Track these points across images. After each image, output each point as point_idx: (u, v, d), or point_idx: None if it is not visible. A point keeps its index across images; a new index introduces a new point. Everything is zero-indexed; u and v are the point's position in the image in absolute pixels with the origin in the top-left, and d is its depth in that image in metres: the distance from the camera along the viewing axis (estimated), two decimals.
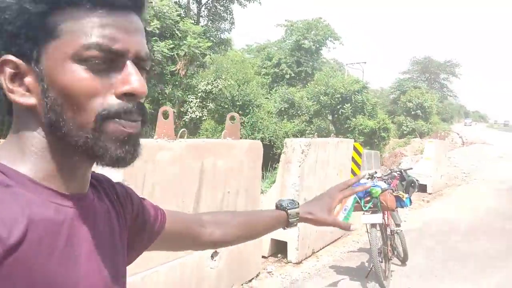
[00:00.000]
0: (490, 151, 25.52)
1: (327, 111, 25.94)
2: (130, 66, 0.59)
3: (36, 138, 0.60)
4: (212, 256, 3.73)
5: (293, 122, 26.57)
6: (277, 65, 33.43)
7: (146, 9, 0.66)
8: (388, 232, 4.63)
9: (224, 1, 20.49)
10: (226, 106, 23.26)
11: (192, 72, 19.43)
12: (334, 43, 34.68)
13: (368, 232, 4.32)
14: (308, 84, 28.65)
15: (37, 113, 0.59)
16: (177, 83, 18.06)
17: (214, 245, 1.06)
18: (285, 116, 26.95)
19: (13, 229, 0.51)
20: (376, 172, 5.10)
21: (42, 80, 0.58)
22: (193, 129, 20.89)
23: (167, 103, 19.38)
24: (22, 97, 0.59)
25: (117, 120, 0.58)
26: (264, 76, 33.40)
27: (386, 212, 4.39)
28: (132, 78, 0.59)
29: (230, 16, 21.16)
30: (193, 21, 19.24)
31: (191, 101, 18.73)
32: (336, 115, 25.59)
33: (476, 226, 7.23)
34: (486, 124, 78.41)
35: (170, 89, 17.92)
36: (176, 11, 14.46)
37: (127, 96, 0.59)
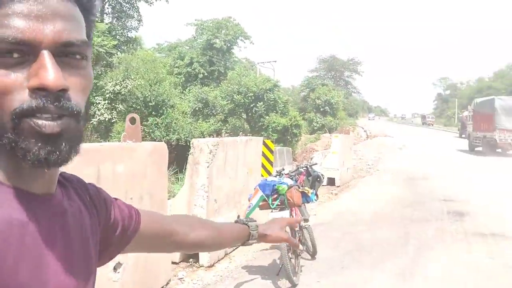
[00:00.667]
0: (391, 143, 27.52)
1: (241, 110, 26.17)
2: (43, 57, 0.54)
3: None
4: (115, 268, 3.50)
5: (209, 121, 26.47)
6: (190, 65, 33.04)
7: None
8: (297, 228, 4.72)
9: None
10: (138, 107, 22.45)
11: (99, 73, 18.45)
12: (244, 42, 35.08)
13: None
14: (222, 83, 28.69)
15: None
16: None
17: (188, 247, 1.04)
18: (200, 116, 26.73)
19: None
20: (283, 169, 5.18)
21: None
22: (104, 132, 19.87)
23: None
24: None
25: (33, 118, 0.54)
26: (177, 76, 32.82)
27: (293, 208, 4.46)
28: (41, 71, 0.53)
29: (137, 14, 20.40)
30: (96, 19, 18.20)
31: (99, 103, 17.77)
32: (250, 114, 25.93)
33: (378, 216, 7.69)
34: (387, 118, 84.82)
35: None
36: None
37: (40, 90, 0.54)
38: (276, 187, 4.20)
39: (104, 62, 16.68)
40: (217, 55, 33.94)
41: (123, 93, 17.51)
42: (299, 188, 4.38)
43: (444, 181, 11.65)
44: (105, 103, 17.44)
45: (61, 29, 0.56)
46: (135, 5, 19.94)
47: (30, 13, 0.54)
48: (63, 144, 0.57)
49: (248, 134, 24.68)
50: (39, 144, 0.55)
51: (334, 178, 11.01)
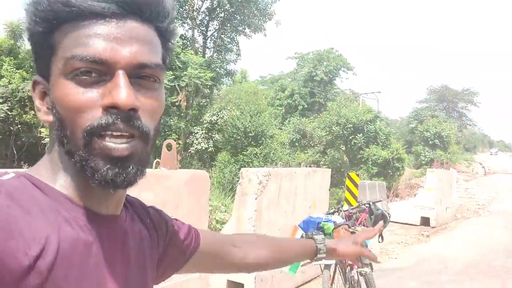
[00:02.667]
0: (511, 181, 24.37)
1: (340, 142, 25.50)
2: (118, 77, 0.57)
3: (61, 156, 0.60)
4: None
5: (307, 153, 26.21)
6: (290, 96, 33.40)
7: (156, 12, 0.62)
8: (353, 273, 4.15)
9: (230, 33, 20.64)
10: (239, 137, 23.15)
11: (199, 103, 19.45)
12: (347, 73, 34.49)
13: (322, 274, 3.85)
14: (320, 114, 28.38)
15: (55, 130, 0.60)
16: (182, 114, 18.04)
17: (247, 267, 1.02)
18: (298, 147, 26.64)
19: (44, 248, 0.51)
20: (342, 205, 4.66)
21: (51, 97, 0.59)
22: (208, 160, 20.72)
23: (173, 134, 19.36)
24: (44, 114, 0.61)
25: (103, 137, 0.56)
26: (278, 107, 33.36)
27: None
28: (115, 90, 0.56)
29: (237, 48, 21.25)
30: (199, 53, 19.40)
31: (197, 132, 18.62)
32: (349, 145, 25.10)
33: (473, 264, 6.58)
34: (511, 154, 76.00)
35: (176, 121, 17.89)
36: (176, 42, 14.54)
37: (112, 109, 0.56)
38: (321, 225, 3.74)
39: (202, 93, 17.50)
40: (318, 87, 33.84)
41: (219, 123, 18.12)
42: (349, 227, 3.85)
43: None
44: (202, 133, 18.20)
45: (137, 52, 0.58)
46: (235, 39, 20.84)
47: (109, 35, 0.57)
48: (131, 166, 0.58)
49: (353, 167, 23.84)
50: (108, 165, 0.56)
51: (428, 218, 9.88)
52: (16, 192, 0.54)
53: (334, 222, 3.79)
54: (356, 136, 24.27)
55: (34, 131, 14.29)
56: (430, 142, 32.07)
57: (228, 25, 20.10)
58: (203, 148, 18.62)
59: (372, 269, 4.59)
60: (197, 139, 18.49)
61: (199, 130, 18.42)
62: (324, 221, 3.73)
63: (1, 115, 13.38)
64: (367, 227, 4.57)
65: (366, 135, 24.43)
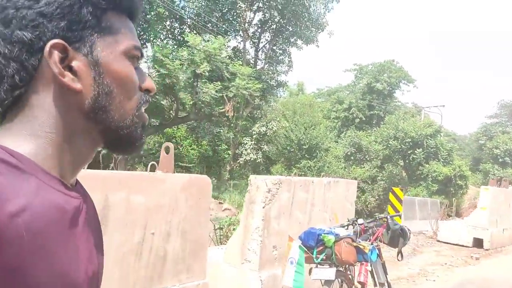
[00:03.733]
0: None
1: (398, 156, 24.37)
2: (142, 68, 0.70)
3: (63, 124, 0.61)
4: None
5: (363, 167, 25.33)
6: (348, 109, 32.57)
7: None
8: None
9: (281, 44, 20.55)
10: (292, 149, 22.93)
11: (250, 115, 19.51)
12: (408, 86, 33.13)
13: None
14: (378, 128, 27.40)
15: (78, 99, 0.62)
16: (232, 125, 18.17)
17: None
18: (352, 161, 25.85)
19: (25, 215, 0.51)
20: (357, 218, 4.33)
21: (96, 67, 0.62)
22: (264, 171, 20.68)
23: (222, 144, 19.54)
24: (72, 81, 0.61)
25: (140, 111, 0.68)
26: (334, 120, 32.67)
27: (348, 265, 3.60)
28: (148, 79, 0.69)
29: (288, 59, 21.11)
30: (251, 64, 19.50)
31: (246, 143, 18.66)
32: (407, 161, 23.91)
33: None
34: None
35: (226, 131, 18.05)
36: (226, 53, 14.70)
37: (146, 91, 0.69)
38: (321, 237, 3.46)
39: (252, 105, 17.52)
40: (377, 99, 32.77)
41: (268, 134, 18.03)
42: (353, 241, 3.52)
43: None
44: (251, 144, 18.20)
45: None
46: (286, 51, 20.71)
47: (135, 33, 0.70)
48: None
49: (411, 184, 22.75)
50: (143, 131, 0.69)
51: (481, 239, 9.06)
52: None
53: (337, 234, 3.50)
54: (415, 151, 23.08)
55: None
56: (500, 160, 29.81)
57: (280, 36, 20.05)
58: (252, 159, 18.59)
59: None
60: (246, 149, 18.51)
61: (248, 141, 18.43)
62: (325, 233, 3.45)
63: None
64: (383, 242, 4.22)
65: (426, 150, 23.15)
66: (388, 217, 4.23)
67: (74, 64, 0.61)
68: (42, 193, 0.56)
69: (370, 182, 24.54)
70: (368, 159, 25.60)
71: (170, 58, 14.07)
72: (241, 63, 16.22)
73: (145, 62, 14.96)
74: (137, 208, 3.31)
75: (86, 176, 3.01)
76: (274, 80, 20.72)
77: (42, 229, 0.53)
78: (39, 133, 0.60)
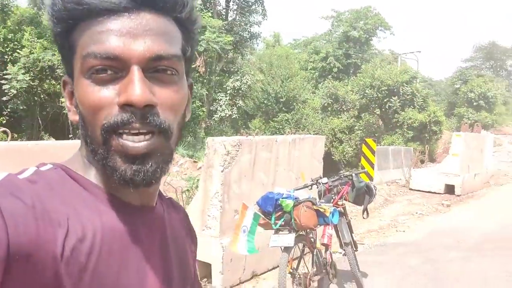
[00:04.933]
0: None
1: (374, 105, 24.35)
2: (132, 73, 0.55)
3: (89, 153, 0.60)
4: None
5: (341, 117, 25.30)
6: (325, 59, 32.10)
7: (172, 2, 0.59)
8: (327, 255, 3.70)
9: None
10: (270, 103, 22.62)
11: (223, 69, 18.97)
12: (385, 33, 32.70)
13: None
14: (354, 77, 27.19)
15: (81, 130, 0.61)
16: (205, 81, 17.67)
17: None
18: (329, 112, 25.77)
19: (83, 237, 0.52)
20: (321, 177, 4.16)
21: (75, 97, 0.60)
22: (242, 126, 20.39)
23: (197, 102, 19.11)
24: (72, 115, 0.61)
25: (121, 135, 0.55)
26: (311, 71, 32.21)
27: (308, 230, 3.44)
28: (129, 87, 0.54)
29: (262, 8, 20.28)
30: (222, 16, 18.66)
31: (221, 99, 18.25)
32: (383, 109, 23.93)
33: (491, 238, 5.94)
34: None
35: (199, 88, 17.56)
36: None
37: (128, 106, 0.54)
38: (279, 202, 3.28)
39: (226, 59, 16.96)
40: (354, 47, 32.32)
41: (243, 89, 17.62)
42: (313, 204, 3.36)
43: None
44: (226, 100, 17.80)
45: (151, 44, 0.56)
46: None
47: (121, 30, 0.55)
48: (150, 164, 0.56)
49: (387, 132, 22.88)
50: (126, 164, 0.55)
51: (453, 186, 9.15)
52: (55, 183, 0.55)
53: (296, 198, 3.32)
54: (391, 99, 23.05)
55: (56, 101, 14.40)
56: (475, 104, 30.20)
57: None
58: (227, 115, 18.26)
59: (355, 248, 4.12)
60: (220, 106, 18.12)
61: (222, 96, 18.01)
62: (283, 198, 3.26)
63: (24, 86, 13.48)
64: (349, 201, 4.09)
65: (402, 97, 23.13)
66: (353, 174, 4.08)
67: (74, 98, 0.60)
68: (99, 215, 0.55)
69: (347, 132, 24.65)
70: (345, 109, 25.55)
71: None
72: (211, 14, 15.50)
73: None
74: None
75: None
76: (247, 32, 19.98)
77: (94, 251, 0.52)
78: (88, 158, 0.60)
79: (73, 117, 0.61)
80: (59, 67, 13.55)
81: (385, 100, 23.08)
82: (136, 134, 0.55)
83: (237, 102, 17.98)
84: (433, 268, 4.79)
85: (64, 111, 13.72)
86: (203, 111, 18.03)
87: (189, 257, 0.73)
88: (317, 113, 24.87)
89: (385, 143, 20.86)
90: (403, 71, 24.20)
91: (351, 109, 25.10)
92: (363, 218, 4.21)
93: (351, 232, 4.10)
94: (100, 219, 0.55)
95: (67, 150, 3.07)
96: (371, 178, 8.90)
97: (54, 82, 13.97)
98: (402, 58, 35.01)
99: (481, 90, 30.39)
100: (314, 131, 22.47)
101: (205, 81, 17.79)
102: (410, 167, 11.08)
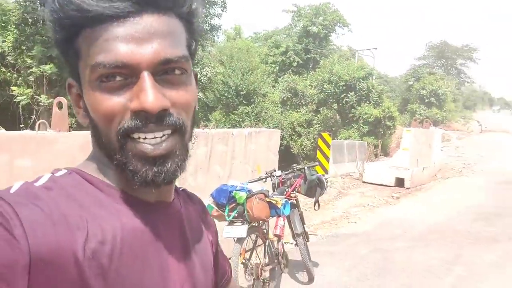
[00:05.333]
0: (506, 140, 23.97)
1: (332, 100, 24.86)
2: (143, 79, 0.55)
3: (99, 154, 0.62)
4: None
5: (300, 111, 25.66)
6: (285, 53, 32.34)
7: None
8: (279, 245, 3.80)
9: None
10: (230, 95, 22.56)
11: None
12: (343, 29, 33.32)
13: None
14: (313, 72, 27.62)
15: (92, 133, 0.62)
16: None
17: None
18: (289, 105, 26.08)
19: (102, 239, 0.53)
20: (275, 170, 4.26)
21: (84, 101, 0.59)
22: (203, 118, 20.17)
23: None
24: (82, 117, 0.62)
25: (137, 139, 0.56)
26: (271, 65, 32.39)
27: (260, 221, 3.53)
28: (141, 94, 0.55)
29: (222, 0, 20.15)
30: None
31: None
32: (341, 104, 24.48)
33: (435, 229, 6.28)
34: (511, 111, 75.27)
35: None
36: None
37: (141, 112, 0.55)
38: (233, 194, 3.34)
39: None
40: (313, 43, 32.75)
41: (203, 81, 17.50)
42: (266, 196, 3.45)
43: None
44: None
45: (158, 48, 0.56)
46: None
47: (127, 36, 0.55)
48: (169, 164, 0.57)
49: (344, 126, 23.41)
50: (146, 166, 0.56)
51: (403, 179, 9.55)
52: (70, 188, 0.56)
53: (249, 190, 3.39)
54: (348, 94, 23.60)
55: (7, 89, 13.74)
56: (426, 100, 31.38)
57: None
58: None
59: (307, 238, 4.26)
60: None
61: None
62: (237, 190, 3.32)
63: None
64: (301, 193, 4.21)
65: (358, 93, 23.74)
66: (306, 167, 4.20)
67: (81, 101, 0.61)
68: (117, 216, 0.56)
69: (306, 126, 25.03)
70: (304, 103, 25.93)
71: None
72: None
73: None
74: (22, 174, 2.96)
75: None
76: (207, 24, 19.80)
77: (114, 252, 0.53)
78: (102, 160, 0.61)
79: (83, 119, 0.61)
80: (9, 54, 12.96)
81: (342, 95, 23.61)
82: (153, 137, 0.56)
83: (197, 94, 17.83)
84: (381, 257, 5.02)
85: (15, 100, 13.16)
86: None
87: (208, 247, 0.74)
88: (277, 106, 25.08)
89: (342, 137, 21.36)
90: (360, 67, 24.83)
91: (310, 104, 25.54)
92: (315, 209, 4.35)
93: (303, 223, 4.23)
94: (119, 220, 0.56)
95: (18, 142, 2.99)
96: (326, 171, 9.14)
97: (4, 70, 13.34)
98: (360, 55, 35.88)
99: (432, 87, 31.60)
100: (273, 124, 22.66)
101: None
102: (363, 160, 11.45)
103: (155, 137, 0.56)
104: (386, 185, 9.61)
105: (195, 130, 3.07)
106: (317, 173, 4.32)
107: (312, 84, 25.44)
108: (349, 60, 29.46)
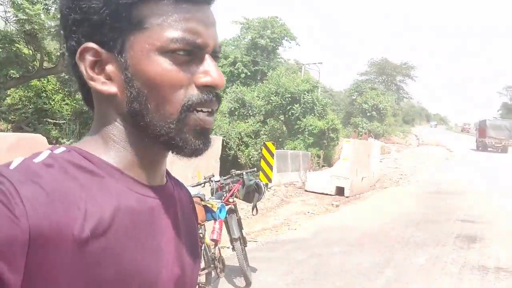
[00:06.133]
0: (439, 152, 25.45)
1: (279, 111, 25.30)
2: (209, 59, 0.61)
3: (116, 127, 0.61)
4: None
5: (247, 122, 25.85)
6: (233, 64, 32.57)
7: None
8: (216, 250, 3.82)
9: None
10: None
11: None
12: (290, 43, 34.13)
13: None
14: (261, 83, 28.03)
15: (117, 102, 0.60)
16: None
17: None
18: (237, 116, 26.20)
19: (100, 219, 0.53)
20: (213, 175, 4.29)
21: (126, 70, 0.59)
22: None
23: None
24: (103, 85, 0.60)
25: (197, 112, 0.60)
26: None
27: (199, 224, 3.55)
28: (212, 71, 0.60)
29: None
30: None
31: None
32: (287, 116, 24.97)
33: (370, 234, 6.55)
34: (446, 127, 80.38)
35: None
36: None
37: (207, 87, 0.60)
38: None
39: None
40: (261, 55, 33.25)
41: None
42: (202, 200, 3.47)
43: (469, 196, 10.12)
44: None
45: (216, 36, 0.62)
46: None
47: (202, 20, 0.60)
48: (210, 136, 0.63)
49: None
50: (197, 135, 0.60)
51: (343, 188, 9.87)
52: (69, 165, 0.56)
53: None
54: (294, 106, 24.12)
55: None
56: (368, 114, 32.70)
57: None
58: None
59: (244, 243, 4.30)
60: None
61: None
62: None
63: None
64: (239, 198, 4.26)
65: (304, 105, 24.34)
66: (244, 173, 4.27)
67: (107, 67, 0.60)
68: (115, 196, 0.57)
69: (253, 136, 25.23)
70: (251, 114, 26.17)
71: (30, 1, 12.34)
72: None
73: (1, 4, 12.96)
74: None
75: None
76: None
77: (111, 232, 0.54)
78: (104, 137, 0.61)
79: (105, 87, 0.59)
80: None
81: (289, 107, 24.16)
82: (210, 111, 0.61)
83: None
84: (317, 262, 5.17)
85: None
86: None
87: (197, 233, 0.76)
88: (225, 116, 25.18)
89: (288, 148, 21.74)
90: (306, 80, 25.54)
91: (257, 114, 25.84)
92: (253, 214, 4.42)
93: (241, 228, 4.28)
94: (116, 199, 0.56)
95: None
96: (269, 180, 9.27)
97: None
98: (306, 68, 36.82)
99: (374, 102, 32.98)
100: (221, 134, 22.64)
101: None
102: (306, 170, 11.73)
103: (211, 111, 0.61)
104: (327, 194, 9.91)
105: None
106: (255, 178, 4.40)
107: (260, 95, 25.77)
108: (295, 73, 30.21)
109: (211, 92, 0.60)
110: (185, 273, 0.66)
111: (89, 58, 0.59)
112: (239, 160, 22.97)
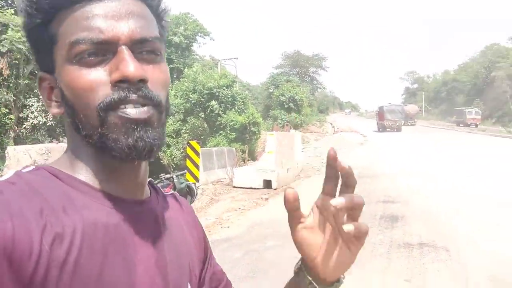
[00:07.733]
0: (354, 138, 26.84)
1: (198, 109, 25.07)
2: (122, 52, 0.57)
3: (76, 144, 0.61)
4: None
5: (167, 122, 25.19)
6: None
7: None
8: None
9: None
10: None
11: (33, 72, 17.03)
12: (204, 38, 33.96)
13: None
14: (177, 82, 27.57)
15: (69, 121, 0.61)
16: (11, 85, 15.58)
17: None
18: None
19: (61, 232, 0.52)
20: (152, 180, 4.10)
21: (60, 87, 0.59)
22: (62, 134, 18.40)
23: (2, 108, 16.77)
24: (53, 108, 0.61)
25: (119, 109, 0.56)
26: None
27: None
28: (121, 64, 0.56)
29: None
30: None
31: (32, 105, 16.33)
32: (207, 112, 24.82)
33: None
34: (357, 113, 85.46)
35: (5, 93, 15.41)
36: None
37: (121, 83, 0.56)
38: None
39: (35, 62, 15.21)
40: (176, 52, 32.68)
41: None
42: None
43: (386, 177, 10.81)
44: (39, 105, 16.06)
45: (135, 27, 0.58)
46: None
47: (107, 14, 0.57)
48: (150, 131, 0.57)
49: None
50: (127, 133, 0.56)
51: (270, 181, 10.02)
52: (35, 183, 0.56)
53: None
54: (211, 103, 24.07)
55: None
56: (286, 106, 33.62)
57: None
58: (41, 122, 16.44)
59: None
60: (32, 112, 16.22)
61: (34, 102, 16.17)
62: None
63: None
64: None
65: (223, 101, 24.37)
66: (174, 176, 4.14)
67: (55, 91, 0.60)
68: (81, 210, 0.55)
69: (174, 136, 24.81)
70: (171, 113, 25.69)
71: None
72: (14, 12, 13.74)
73: None
74: None
75: None
76: None
77: (74, 245, 0.53)
78: (71, 155, 0.62)
79: (56, 110, 0.61)
80: None
81: (208, 104, 24.04)
82: (134, 107, 0.56)
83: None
84: (254, 258, 5.17)
85: None
86: (11, 119, 15.94)
87: (192, 251, 0.72)
88: None
89: (211, 145, 21.64)
90: (223, 76, 25.58)
91: (177, 113, 25.39)
92: None
93: None
94: (82, 214, 0.55)
95: None
96: (197, 179, 9.12)
97: None
98: (222, 64, 36.86)
99: (290, 94, 33.94)
100: None
101: (11, 85, 15.75)
102: (232, 166, 11.74)
103: (136, 107, 0.56)
104: (255, 188, 9.99)
105: (48, 145, 2.80)
106: (187, 181, 4.28)
107: (178, 93, 25.35)
108: (212, 69, 30.13)
109: (128, 87, 0.56)
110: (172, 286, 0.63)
111: (44, 86, 0.61)
112: (161, 161, 22.41)
